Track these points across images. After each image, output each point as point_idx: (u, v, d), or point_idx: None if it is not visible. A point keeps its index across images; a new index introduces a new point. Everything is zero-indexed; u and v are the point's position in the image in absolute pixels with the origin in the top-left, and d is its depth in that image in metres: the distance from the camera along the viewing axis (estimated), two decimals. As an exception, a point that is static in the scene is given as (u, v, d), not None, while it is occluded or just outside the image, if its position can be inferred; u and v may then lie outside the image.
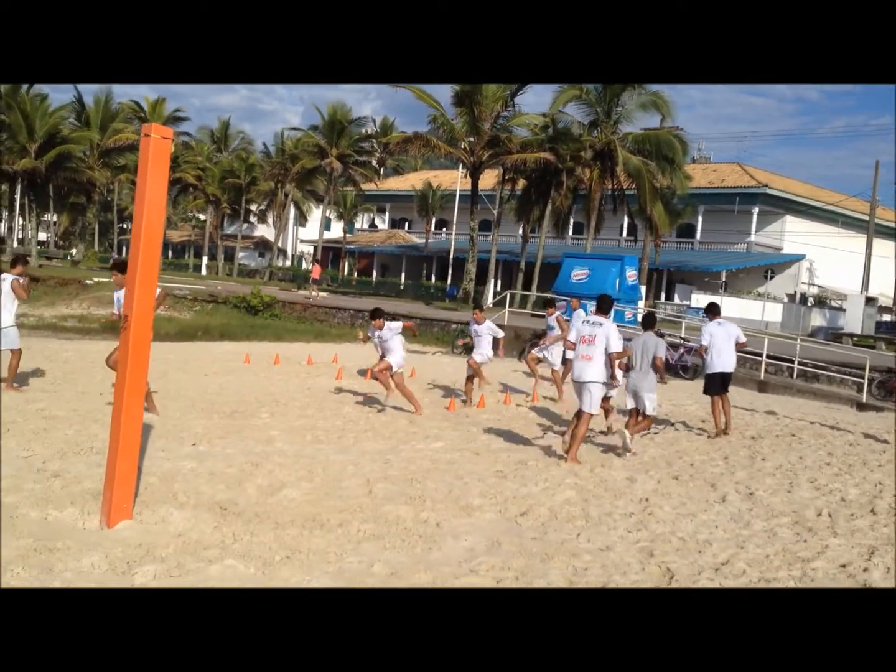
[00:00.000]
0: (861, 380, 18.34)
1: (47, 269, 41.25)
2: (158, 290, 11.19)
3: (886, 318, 44.50)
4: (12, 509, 6.01)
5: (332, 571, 5.36)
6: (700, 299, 45.01)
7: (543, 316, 19.20)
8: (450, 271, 57.54)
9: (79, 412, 10.36)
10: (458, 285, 47.62)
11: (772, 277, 46.39)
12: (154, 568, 5.14)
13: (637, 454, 10.33)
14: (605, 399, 11.39)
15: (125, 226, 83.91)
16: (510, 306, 28.32)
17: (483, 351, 13.72)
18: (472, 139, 38.40)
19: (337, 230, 72.19)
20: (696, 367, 20.40)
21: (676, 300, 49.85)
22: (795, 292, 51.63)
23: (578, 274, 30.66)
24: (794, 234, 53.30)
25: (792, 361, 20.41)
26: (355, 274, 68.80)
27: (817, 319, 46.53)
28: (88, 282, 33.30)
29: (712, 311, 12.91)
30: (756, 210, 53.37)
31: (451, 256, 57.09)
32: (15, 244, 60.47)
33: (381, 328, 12.51)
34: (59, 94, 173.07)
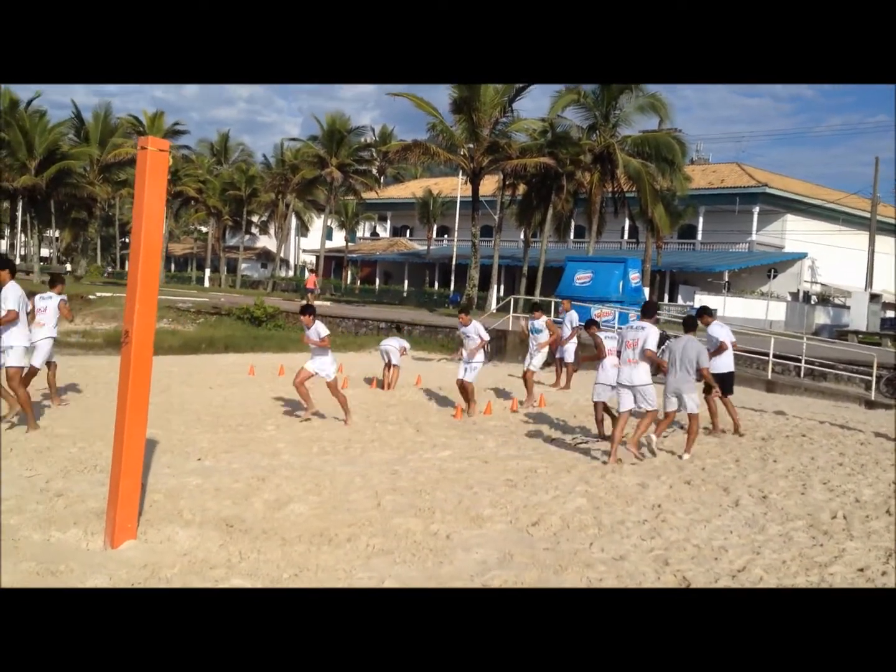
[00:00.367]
0: (868, 377, 18.22)
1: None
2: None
3: (889, 314, 44.39)
4: (14, 531, 5.90)
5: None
6: (703, 300, 44.92)
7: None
8: (452, 278, 57.50)
9: (82, 429, 10.26)
10: (461, 292, 47.55)
11: (774, 276, 46.32)
12: (160, 589, 5.04)
13: (644, 458, 10.24)
14: (599, 404, 11.44)
15: (127, 241, 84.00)
16: (514, 311, 28.27)
17: (475, 363, 13.32)
18: (471, 145, 38.33)
19: (339, 239, 72.20)
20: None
21: (679, 301, 49.75)
22: (798, 291, 51.53)
23: (582, 277, 30.50)
24: (795, 232, 53.24)
25: (799, 360, 20.30)
26: (358, 283, 68.80)
27: (821, 317, 46.43)
28: (92, 297, 33.29)
29: (708, 314, 12.84)
30: (756, 209, 53.30)
31: (454, 263, 57.05)
32: (17, 261, 60.45)
33: (309, 325, 12.09)
34: (57, 111, 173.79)
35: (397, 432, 11.65)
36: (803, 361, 20.16)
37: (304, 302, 36.29)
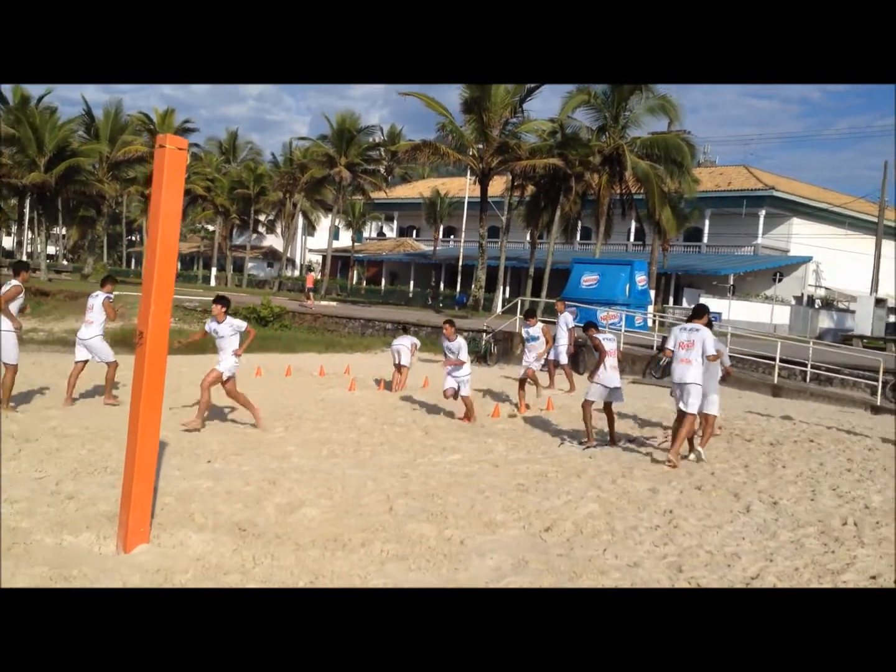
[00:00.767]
0: (874, 382, 18.18)
1: (57, 282, 41.26)
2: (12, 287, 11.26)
3: (892, 318, 44.25)
4: (26, 535, 5.89)
5: (356, 595, 5.23)
6: (708, 303, 44.82)
7: (555, 322, 19.09)
8: (459, 279, 57.48)
9: (91, 430, 10.26)
10: (467, 293, 47.55)
11: (780, 280, 46.23)
12: (174, 594, 5.03)
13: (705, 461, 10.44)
14: (589, 403, 11.40)
15: (134, 238, 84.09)
16: (520, 313, 28.20)
17: (465, 375, 12.93)
18: (480, 146, 38.34)
19: (345, 239, 72.25)
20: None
21: (685, 304, 49.68)
22: (802, 294, 51.43)
23: (588, 279, 30.53)
24: (800, 236, 53.14)
25: (805, 365, 20.25)
26: (364, 283, 68.83)
27: (825, 321, 46.30)
28: (97, 295, 33.20)
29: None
30: (763, 213, 53.24)
31: (460, 264, 57.02)
32: (24, 258, 60.57)
33: (220, 320, 11.30)
34: (68, 108, 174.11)
35: (406, 435, 11.64)
36: (809, 366, 20.11)
37: (308, 302, 36.54)
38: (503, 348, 24.68)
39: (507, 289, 50.94)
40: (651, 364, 21.25)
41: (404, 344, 16.70)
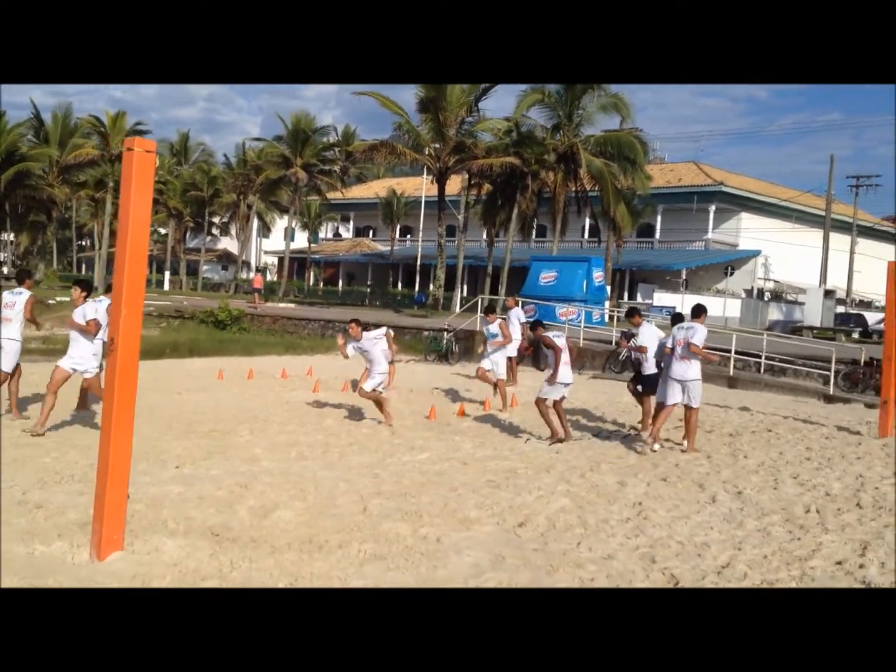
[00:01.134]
0: (826, 372, 18.54)
1: (7, 289, 40.50)
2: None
3: (840, 309, 45.15)
4: (-3, 545, 5.82)
5: (336, 595, 5.25)
6: (662, 298, 45.43)
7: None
8: (417, 278, 57.49)
9: (54, 438, 10.14)
10: (426, 292, 47.58)
11: (732, 274, 46.91)
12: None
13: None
14: (543, 401, 11.36)
15: (84, 243, 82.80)
16: (481, 312, 28.28)
17: (380, 374, 12.53)
18: (437, 145, 38.40)
19: (301, 240, 71.84)
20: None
21: (639, 299, 50.20)
22: (752, 287, 52.28)
23: (546, 276, 30.72)
24: (749, 230, 54.01)
25: (759, 356, 20.58)
26: (321, 284, 68.52)
27: (774, 313, 47.12)
28: (51, 301, 32.75)
29: (638, 314, 12.91)
30: (713, 208, 53.99)
31: (419, 263, 57.03)
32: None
33: (78, 303, 10.75)
34: (16, 112, 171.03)
35: (373, 435, 11.66)
36: (763, 357, 20.45)
37: (257, 303, 36.23)
38: (465, 347, 24.76)
39: (466, 287, 51.07)
40: (611, 359, 21.46)
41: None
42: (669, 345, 11.15)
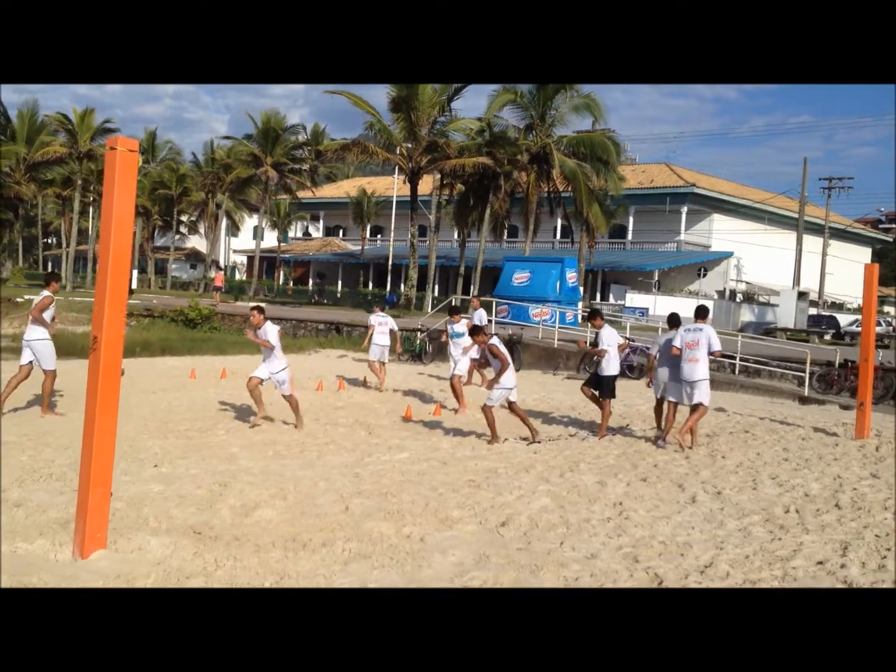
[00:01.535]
0: (801, 374, 18.72)
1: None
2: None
3: (812, 311, 45.71)
4: (-23, 543, 5.73)
5: (323, 594, 5.21)
6: (634, 298, 45.72)
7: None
8: (388, 278, 57.40)
9: (29, 436, 10.04)
10: (397, 292, 47.50)
11: (705, 275, 47.30)
12: (137, 599, 4.94)
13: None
14: (490, 407, 11.17)
15: (50, 241, 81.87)
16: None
17: (281, 371, 12.12)
18: (409, 145, 38.36)
19: (270, 239, 71.52)
20: (642, 366, 20.66)
21: (612, 300, 50.49)
22: (724, 289, 52.74)
23: (520, 277, 30.83)
24: (721, 231, 54.49)
25: (733, 357, 20.74)
26: (291, 283, 68.21)
27: (746, 315, 47.55)
28: (19, 300, 32.34)
29: (600, 316, 13.15)
30: (685, 209, 54.43)
31: (390, 263, 56.94)
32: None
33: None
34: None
35: (350, 435, 11.62)
36: (738, 358, 20.61)
37: (217, 301, 35.89)
38: (438, 346, 24.73)
39: (437, 287, 51.10)
40: (585, 360, 21.54)
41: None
42: (678, 345, 11.37)
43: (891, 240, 71.65)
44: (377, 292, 56.84)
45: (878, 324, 39.26)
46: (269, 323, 12.22)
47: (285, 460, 9.65)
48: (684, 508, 7.96)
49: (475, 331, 11.73)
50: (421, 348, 24.25)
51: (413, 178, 39.07)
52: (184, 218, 71.01)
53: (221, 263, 77.93)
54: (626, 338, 22.67)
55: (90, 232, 63.94)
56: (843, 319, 44.24)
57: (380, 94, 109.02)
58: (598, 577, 5.82)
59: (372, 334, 16.94)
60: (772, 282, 53.35)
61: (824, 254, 53.24)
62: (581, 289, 38.54)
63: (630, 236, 56.94)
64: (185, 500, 7.34)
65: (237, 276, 77.05)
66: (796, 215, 50.34)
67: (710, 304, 46.66)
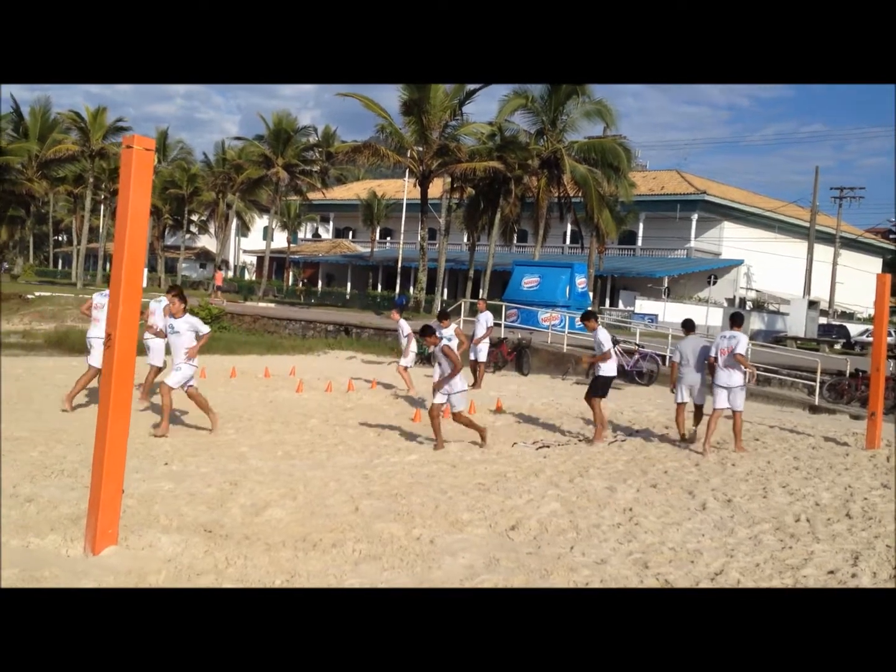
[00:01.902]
0: (811, 382, 18.66)
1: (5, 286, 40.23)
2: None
3: (822, 320, 45.58)
4: (-10, 537, 5.75)
5: (334, 594, 5.21)
6: (644, 305, 45.65)
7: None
8: (398, 280, 57.43)
9: (40, 432, 10.05)
10: (406, 294, 47.54)
11: (715, 283, 47.23)
12: (149, 596, 4.95)
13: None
14: (438, 407, 10.97)
15: (61, 238, 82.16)
16: (464, 315, 28.28)
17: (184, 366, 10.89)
18: (420, 148, 38.39)
19: (280, 240, 71.68)
20: (652, 373, 20.63)
21: (621, 306, 50.43)
22: (734, 297, 52.63)
23: (529, 281, 30.80)
24: (732, 239, 54.40)
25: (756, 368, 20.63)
26: (300, 284, 68.33)
27: (756, 323, 47.40)
28: (30, 296, 32.49)
29: (594, 318, 12.85)
30: (695, 216, 54.36)
31: (399, 266, 56.98)
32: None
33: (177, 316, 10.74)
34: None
35: (359, 436, 11.62)
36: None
37: (217, 300, 35.92)
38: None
39: (446, 291, 51.13)
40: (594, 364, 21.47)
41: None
42: (713, 354, 11.67)
43: (902, 250, 71.42)
44: (386, 294, 56.89)
45: (889, 334, 39.17)
46: (189, 315, 11.09)
47: (295, 460, 9.66)
48: (694, 515, 7.94)
49: (426, 331, 11.33)
50: (429, 351, 24.22)
51: (423, 181, 39.09)
52: (194, 217, 71.19)
53: (232, 263, 78.25)
54: (637, 344, 22.73)
55: (101, 230, 64.18)
56: (854, 329, 44.10)
57: (391, 97, 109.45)
58: (608, 582, 5.81)
59: (410, 343, 16.43)
60: (782, 290, 53.22)
61: (835, 263, 53.11)
62: (590, 294, 38.52)
63: (640, 242, 56.89)
64: (195, 498, 7.35)
65: (246, 277, 77.24)
66: (807, 224, 50.23)
67: (719, 311, 46.70)
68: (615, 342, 20.77)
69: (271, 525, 6.68)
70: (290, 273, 69.69)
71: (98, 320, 11.83)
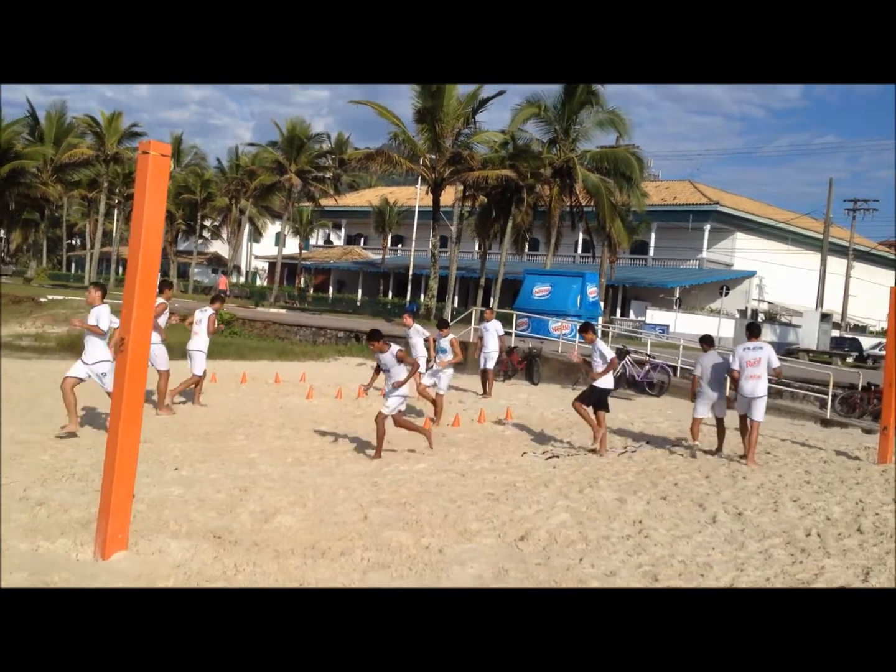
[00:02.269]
0: (823, 396, 18.55)
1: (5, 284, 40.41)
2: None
3: (834, 333, 45.38)
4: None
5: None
6: (655, 315, 45.55)
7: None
8: (409, 287, 57.48)
9: (51, 436, 10.07)
10: (417, 301, 47.57)
11: (727, 294, 47.07)
12: (158, 602, 4.95)
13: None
14: (382, 416, 10.69)
15: (74, 242, 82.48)
16: (475, 323, 28.25)
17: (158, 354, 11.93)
18: (433, 156, 38.46)
19: (292, 246, 71.82)
20: (662, 383, 20.57)
21: (632, 316, 50.33)
22: (746, 308, 52.45)
23: (540, 290, 30.77)
24: (744, 250, 54.25)
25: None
26: (311, 290, 68.45)
27: (768, 335, 47.19)
28: (42, 299, 32.63)
29: (592, 330, 12.60)
30: (708, 227, 54.24)
31: (410, 273, 57.03)
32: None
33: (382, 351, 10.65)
34: (11, 109, 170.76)
35: (369, 444, 11.58)
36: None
37: (217, 302, 35.99)
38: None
39: (457, 298, 51.14)
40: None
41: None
42: (737, 367, 11.75)
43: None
44: (397, 301, 56.93)
45: (901, 348, 38.97)
46: (105, 306, 10.52)
47: (304, 467, 9.66)
48: (704, 528, 7.90)
49: (373, 336, 10.78)
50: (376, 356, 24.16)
51: (436, 189, 39.14)
52: (207, 223, 71.41)
53: (242, 268, 78.41)
54: (648, 354, 22.68)
55: (114, 234, 64.44)
56: (866, 342, 43.89)
57: (404, 105, 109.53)
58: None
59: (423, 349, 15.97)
60: (794, 302, 53.04)
61: (848, 275, 52.90)
62: (601, 304, 38.46)
63: (652, 252, 56.80)
64: (205, 503, 7.36)
65: (258, 282, 77.42)
66: (820, 236, 50.10)
67: (731, 323, 46.56)
68: (626, 353, 20.84)
69: (280, 532, 6.68)
70: (302, 279, 69.79)
71: (197, 333, 14.13)
